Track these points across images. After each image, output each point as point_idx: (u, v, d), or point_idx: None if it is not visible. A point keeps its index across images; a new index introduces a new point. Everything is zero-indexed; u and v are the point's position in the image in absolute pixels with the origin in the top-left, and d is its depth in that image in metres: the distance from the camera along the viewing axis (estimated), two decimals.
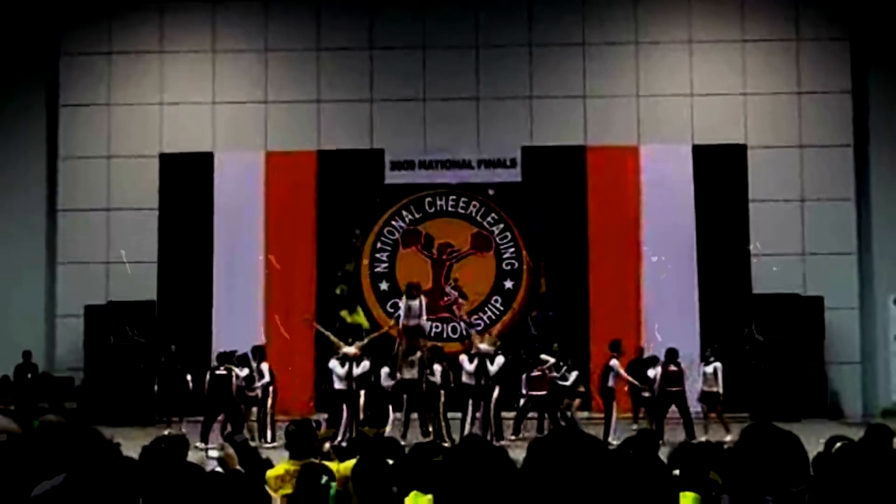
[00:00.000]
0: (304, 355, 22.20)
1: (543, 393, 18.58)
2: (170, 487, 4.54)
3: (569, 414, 19.12)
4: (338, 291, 23.37)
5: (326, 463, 7.30)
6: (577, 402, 19.54)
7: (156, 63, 23.65)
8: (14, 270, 23.16)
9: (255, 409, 18.57)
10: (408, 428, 17.67)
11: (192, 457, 6.61)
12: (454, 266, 23.38)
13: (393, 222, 23.56)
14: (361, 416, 17.37)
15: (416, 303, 18.41)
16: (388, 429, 16.58)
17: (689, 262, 22.71)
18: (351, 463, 6.49)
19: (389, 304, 22.66)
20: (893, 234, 22.63)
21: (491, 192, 23.50)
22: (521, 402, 18.97)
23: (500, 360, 17.86)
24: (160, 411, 20.84)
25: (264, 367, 18.74)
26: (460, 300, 22.20)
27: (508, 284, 23.34)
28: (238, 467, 6.35)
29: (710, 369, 18.75)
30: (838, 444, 6.92)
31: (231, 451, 6.37)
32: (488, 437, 16.39)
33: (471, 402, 17.67)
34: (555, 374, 18.94)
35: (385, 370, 18.24)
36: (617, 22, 23.37)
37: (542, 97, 23.21)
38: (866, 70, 23.18)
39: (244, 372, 18.44)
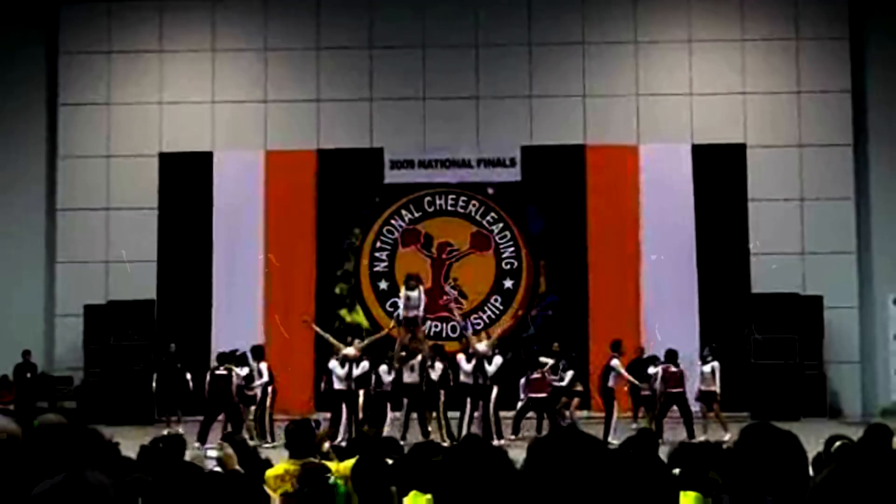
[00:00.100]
0: (303, 355, 22.19)
1: (544, 395, 18.57)
2: (169, 487, 4.54)
3: (567, 413, 19.12)
4: (337, 291, 23.37)
5: (326, 463, 7.29)
6: (575, 401, 19.53)
7: (155, 62, 23.65)
8: (13, 270, 23.15)
9: (253, 409, 18.55)
10: (407, 428, 17.67)
11: (190, 456, 6.61)
12: (454, 265, 23.38)
13: (392, 221, 23.56)
14: (360, 415, 17.38)
15: (414, 293, 18.46)
16: (386, 429, 16.56)
17: (688, 261, 22.71)
18: (350, 462, 6.49)
19: (389, 303, 22.65)
20: (893, 234, 22.63)
21: (490, 191, 23.50)
22: (521, 403, 18.96)
23: (498, 360, 17.88)
24: (159, 411, 20.84)
25: (263, 366, 18.72)
26: (453, 304, 22.16)
27: (508, 284, 23.34)
28: (237, 467, 6.35)
29: (707, 368, 18.77)
30: (838, 444, 6.92)
31: (230, 450, 6.36)
32: (487, 437, 16.38)
33: (469, 401, 17.68)
34: (553, 376, 18.95)
35: (383, 367, 18.23)
36: (616, 21, 23.37)
37: (542, 96, 23.21)
38: (865, 69, 23.18)
39: (244, 371, 18.44)
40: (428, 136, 23.34)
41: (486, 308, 23.18)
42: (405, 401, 18.01)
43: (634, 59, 23.31)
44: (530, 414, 18.98)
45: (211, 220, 23.19)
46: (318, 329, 19.85)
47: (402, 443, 12.29)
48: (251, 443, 13.84)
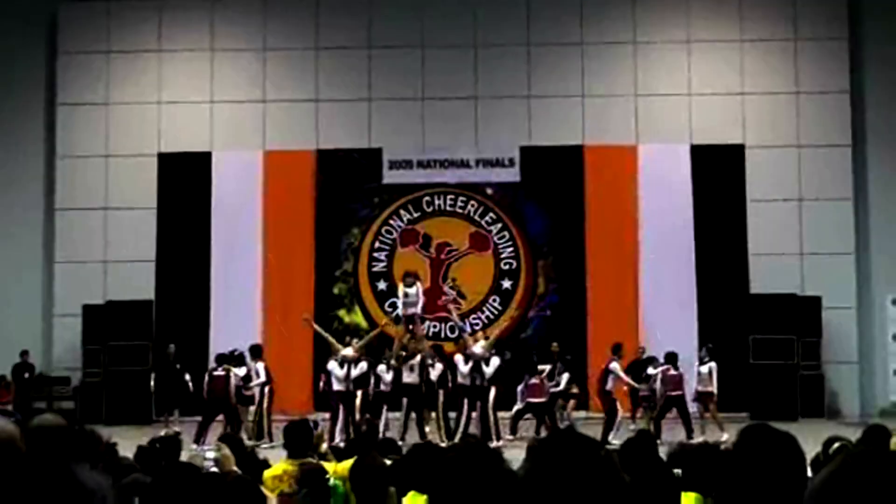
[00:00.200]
0: (302, 355, 22.19)
1: (542, 400, 18.58)
2: (166, 488, 4.53)
3: (564, 415, 19.13)
4: (336, 291, 23.36)
5: (324, 463, 7.29)
6: (571, 402, 19.55)
7: (154, 62, 23.64)
8: (12, 269, 23.14)
9: (252, 409, 18.56)
10: (406, 429, 17.67)
11: (187, 457, 6.61)
12: (452, 265, 23.38)
13: (391, 222, 23.56)
14: (358, 416, 17.38)
15: (412, 290, 18.50)
16: (381, 429, 16.55)
17: (687, 261, 22.71)
18: (348, 463, 6.49)
19: (388, 303, 22.64)
20: (891, 234, 22.64)
21: (489, 191, 23.50)
22: (519, 405, 18.96)
23: (495, 361, 17.89)
24: (158, 411, 20.84)
25: (260, 366, 18.73)
26: (451, 304, 22.16)
27: (507, 284, 23.34)
28: (234, 468, 6.34)
29: (704, 369, 18.82)
30: (836, 445, 6.92)
31: (227, 451, 6.36)
32: (486, 438, 16.39)
33: (466, 402, 17.68)
34: (549, 382, 18.95)
35: (382, 367, 18.22)
36: (615, 21, 23.38)
37: (541, 97, 23.21)
38: (864, 70, 23.19)
39: (242, 371, 18.45)
40: (427, 136, 23.34)
41: (484, 308, 23.17)
42: (404, 401, 18.00)
43: (633, 60, 23.32)
44: (528, 415, 18.98)
45: (210, 220, 23.18)
46: (317, 328, 19.86)
47: (400, 443, 12.31)
48: (249, 443, 13.86)
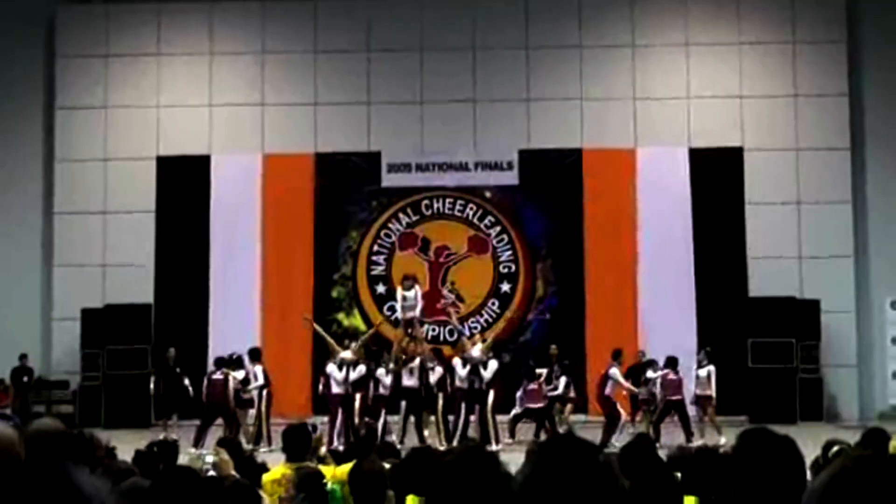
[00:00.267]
0: (300, 358, 22.18)
1: (540, 405, 18.57)
2: (164, 492, 4.52)
3: (560, 418, 19.12)
4: (335, 294, 23.35)
5: (323, 467, 7.29)
6: (568, 407, 19.53)
7: (153, 65, 23.64)
8: (10, 273, 23.13)
9: (251, 412, 18.55)
10: (405, 433, 17.65)
11: (187, 460, 6.60)
12: (451, 269, 23.37)
13: (390, 225, 23.55)
14: (357, 419, 17.36)
15: (411, 293, 18.52)
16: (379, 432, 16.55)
17: (685, 265, 22.71)
18: (347, 467, 6.48)
19: (386, 306, 22.63)
20: (890, 237, 22.65)
21: (488, 194, 23.50)
22: (518, 409, 18.95)
23: (493, 364, 17.89)
24: (157, 414, 20.83)
25: (258, 369, 18.72)
26: (451, 308, 22.15)
27: (505, 287, 23.33)
28: (233, 472, 6.34)
29: (703, 372, 18.85)
30: (835, 449, 6.91)
31: (226, 455, 6.36)
32: (485, 442, 16.38)
33: (464, 405, 17.66)
34: (547, 386, 18.95)
35: (381, 370, 18.21)
36: (613, 24, 23.38)
37: (539, 100, 23.21)
38: (862, 72, 23.21)
39: (240, 375, 18.44)
40: (425, 139, 23.34)
41: (483, 312, 23.16)
42: (403, 404, 17.99)
43: (631, 63, 23.32)
44: (527, 419, 18.96)
45: (208, 223, 23.17)
46: (318, 328, 19.82)
47: (399, 447, 12.30)
48: (248, 447, 13.85)
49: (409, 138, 23.30)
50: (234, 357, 18.71)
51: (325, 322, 22.16)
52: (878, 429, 8.03)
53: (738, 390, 20.99)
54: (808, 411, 21.22)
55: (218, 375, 18.15)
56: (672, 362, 18.45)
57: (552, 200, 23.21)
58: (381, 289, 23.28)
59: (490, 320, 22.96)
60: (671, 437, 17.40)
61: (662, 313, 22.12)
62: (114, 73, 23.59)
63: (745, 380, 21.52)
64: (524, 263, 23.37)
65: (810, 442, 6.09)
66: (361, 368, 18.07)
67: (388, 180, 23.40)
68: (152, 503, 3.96)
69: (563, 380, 19.26)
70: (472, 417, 17.68)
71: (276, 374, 19.68)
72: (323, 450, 8.72)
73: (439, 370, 18.24)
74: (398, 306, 19.13)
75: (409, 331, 18.62)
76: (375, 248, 23.50)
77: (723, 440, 16.10)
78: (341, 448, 13.75)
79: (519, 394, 18.95)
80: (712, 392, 18.72)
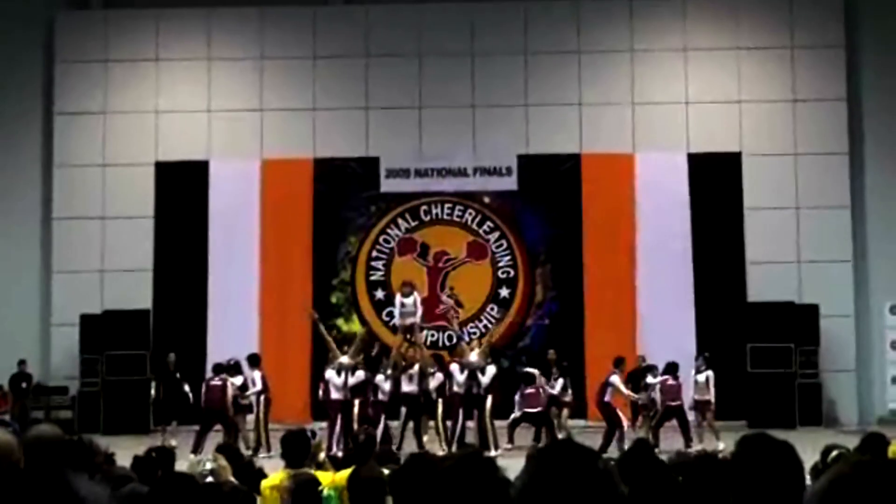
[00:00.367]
0: (299, 364, 22.17)
1: (539, 409, 18.55)
2: (163, 498, 4.52)
3: (559, 423, 19.11)
4: (333, 300, 23.34)
5: (322, 473, 7.28)
6: (565, 411, 19.52)
7: (152, 70, 23.65)
8: (9, 278, 23.12)
9: (249, 418, 18.54)
10: (403, 438, 17.64)
11: (187, 467, 6.59)
12: (450, 274, 23.36)
13: (389, 230, 23.55)
14: (356, 425, 17.33)
15: (409, 300, 18.51)
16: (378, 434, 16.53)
17: (684, 269, 22.70)
18: (346, 473, 6.48)
19: (385, 312, 22.62)
20: (889, 242, 22.65)
21: (487, 199, 23.50)
22: (515, 415, 18.94)
23: (491, 370, 17.88)
24: (156, 420, 20.81)
25: (256, 375, 18.71)
26: (451, 313, 22.14)
27: (504, 293, 23.32)
28: (231, 478, 6.33)
29: (701, 378, 18.85)
30: (834, 454, 6.91)
31: (224, 462, 6.35)
32: (484, 447, 16.36)
33: (461, 411, 17.65)
34: (546, 385, 18.95)
35: (380, 376, 18.19)
36: (612, 29, 23.40)
37: (538, 105, 23.22)
38: (861, 77, 23.22)
39: (239, 380, 18.43)
40: (424, 144, 23.35)
41: (482, 317, 23.15)
42: (402, 410, 17.98)
43: (630, 68, 23.33)
44: (525, 423, 18.95)
45: (207, 228, 23.17)
46: (321, 327, 19.75)
47: (397, 453, 12.28)
48: (247, 453, 13.84)
49: (407, 143, 23.30)
50: (232, 363, 18.70)
51: (323, 327, 22.19)
52: (877, 434, 8.03)
53: (737, 395, 20.98)
54: (807, 416, 21.21)
55: (216, 381, 18.14)
56: (671, 368, 18.44)
57: (551, 205, 23.22)
58: (380, 294, 23.28)
59: (489, 325, 22.94)
60: (670, 443, 17.38)
61: (661, 318, 22.11)
62: (113, 79, 23.59)
63: (744, 385, 21.51)
64: (523, 269, 23.37)
65: (809, 447, 6.08)
66: (360, 374, 18.05)
67: (387, 185, 23.40)
68: None
69: (560, 381, 19.26)
70: (470, 423, 17.67)
71: (275, 379, 19.68)
72: (322, 456, 8.71)
73: (439, 376, 18.23)
74: (396, 312, 19.14)
75: (409, 336, 18.61)
76: (374, 253, 23.50)
77: (721, 445, 16.09)
78: (340, 454, 13.74)
79: (517, 397, 18.95)
80: (711, 397, 18.72)
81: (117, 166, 23.29)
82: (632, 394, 18.85)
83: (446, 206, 23.53)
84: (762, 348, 21.78)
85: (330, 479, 6.89)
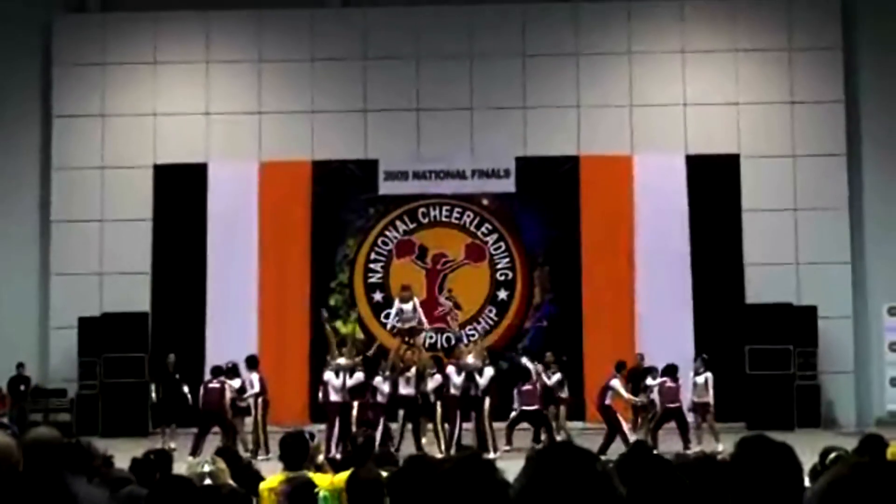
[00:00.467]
0: (298, 366, 22.17)
1: (535, 407, 18.53)
2: (161, 500, 4.52)
3: (557, 425, 19.09)
4: (332, 302, 23.32)
5: (320, 475, 7.28)
6: (562, 409, 19.47)
7: (150, 73, 23.64)
8: (7, 281, 23.12)
9: (248, 420, 18.54)
10: (402, 440, 17.63)
11: (186, 469, 6.58)
12: (448, 276, 23.36)
13: (387, 232, 23.55)
14: (354, 427, 17.32)
15: (408, 306, 18.52)
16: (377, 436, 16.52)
17: (682, 271, 22.70)
18: (345, 475, 6.47)
19: (383, 314, 22.62)
20: (887, 243, 22.67)
21: (485, 201, 23.50)
22: (513, 414, 18.93)
23: (489, 371, 17.87)
24: (156, 422, 20.79)
25: (254, 377, 18.71)
26: (450, 315, 22.13)
27: (502, 295, 23.32)
28: (229, 481, 6.33)
29: (700, 379, 18.84)
30: (832, 456, 6.91)
31: (223, 464, 6.34)
32: (482, 449, 16.36)
33: (459, 413, 17.65)
34: (543, 374, 18.94)
35: (378, 379, 18.18)
36: (610, 32, 23.41)
37: (536, 107, 23.23)
38: (859, 79, 23.24)
39: (237, 383, 18.43)
40: (422, 146, 23.36)
41: (480, 319, 23.15)
42: (400, 412, 17.98)
43: (628, 70, 23.34)
44: (525, 425, 18.94)
45: (205, 231, 23.16)
46: (328, 330, 19.68)
47: (396, 454, 12.27)
48: (245, 455, 13.83)
49: (405, 146, 23.31)
50: (230, 365, 18.70)
51: (321, 330, 22.22)
52: (875, 435, 8.03)
53: (736, 397, 20.98)
54: (805, 418, 21.21)
55: (214, 384, 18.13)
56: (670, 370, 18.42)
57: (549, 207, 23.22)
58: (378, 296, 23.28)
59: (487, 328, 22.95)
60: (669, 445, 17.37)
61: (659, 320, 22.11)
62: (111, 82, 23.59)
63: (743, 386, 21.51)
64: (521, 271, 23.37)
65: (808, 449, 6.08)
66: (359, 375, 18.04)
67: (385, 188, 23.40)
68: None
69: (558, 375, 19.20)
70: (467, 425, 17.66)
71: (274, 381, 19.67)
72: (320, 458, 8.70)
73: (438, 378, 18.21)
74: (393, 317, 19.14)
75: (407, 339, 18.61)
76: (373, 255, 23.50)
77: (720, 447, 16.09)
78: (339, 456, 13.73)
79: (515, 392, 18.90)
80: (710, 399, 18.71)
81: (116, 169, 23.28)
82: (633, 397, 18.83)
83: (444, 208, 23.54)
84: (760, 350, 21.79)
85: (328, 482, 6.88)
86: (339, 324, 23.18)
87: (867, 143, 23.12)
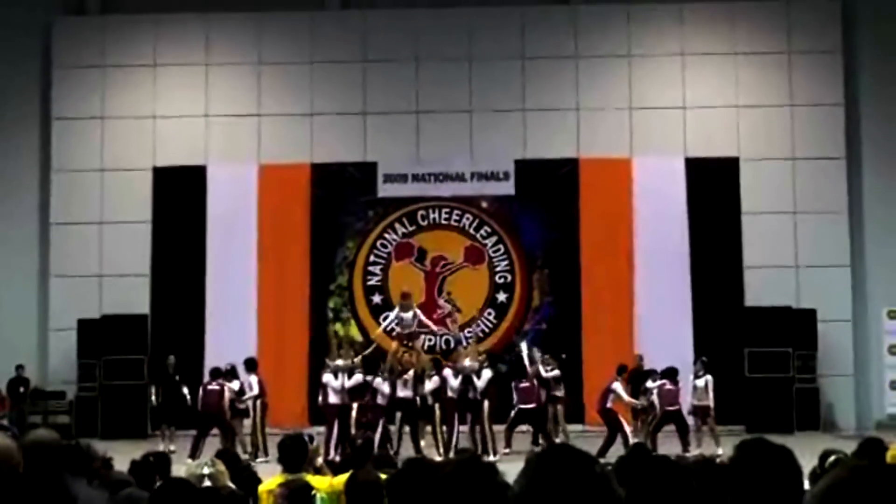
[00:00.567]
0: (297, 368, 22.16)
1: (533, 406, 18.51)
2: (160, 503, 4.52)
3: (556, 426, 19.07)
4: (331, 304, 23.33)
5: (319, 477, 7.28)
6: (560, 409, 19.43)
7: (149, 76, 23.64)
8: (7, 283, 23.11)
9: (246, 422, 18.54)
10: (401, 443, 17.63)
11: (185, 472, 6.58)
12: (447, 279, 23.36)
13: (386, 235, 23.54)
14: (353, 430, 17.33)
15: (408, 314, 18.52)
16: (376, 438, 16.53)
17: (682, 274, 22.71)
18: (344, 478, 6.47)
19: (382, 317, 22.59)
20: (886, 247, 22.67)
21: (484, 204, 23.51)
22: (512, 413, 18.91)
23: (486, 373, 17.86)
24: (154, 424, 20.78)
25: (253, 379, 18.71)
26: (449, 318, 22.12)
27: (502, 297, 23.32)
28: (229, 483, 6.32)
29: (700, 383, 18.82)
30: (832, 458, 6.91)
31: (222, 466, 6.34)
32: (481, 452, 16.36)
33: (457, 416, 17.64)
34: (539, 366, 18.90)
35: (378, 380, 18.17)
36: (609, 34, 23.41)
37: (535, 110, 23.23)
38: (858, 82, 23.25)
39: (236, 385, 18.43)
40: (422, 149, 23.36)
41: (479, 322, 23.15)
42: (398, 415, 17.98)
43: (628, 73, 23.35)
44: (524, 427, 18.91)
45: (205, 233, 23.16)
46: (364, 354, 19.49)
47: (395, 457, 12.28)
48: (244, 457, 13.82)
49: (405, 148, 23.31)
50: (229, 368, 18.70)
51: (321, 333, 22.27)
52: (874, 438, 8.03)
53: (735, 400, 20.95)
54: (804, 421, 21.21)
55: (213, 386, 18.12)
56: (670, 373, 18.41)
57: (548, 210, 23.22)
58: (377, 299, 23.28)
59: (486, 331, 22.95)
60: (668, 448, 17.37)
61: (659, 323, 22.11)
62: (111, 84, 23.59)
63: (742, 389, 21.50)
64: (520, 273, 23.37)
65: (807, 452, 6.08)
66: (357, 377, 18.05)
67: (385, 190, 23.40)
68: None
69: (555, 372, 19.15)
70: (464, 427, 17.65)
71: (273, 384, 19.67)
72: (319, 460, 8.70)
73: (436, 380, 18.21)
74: (391, 320, 19.15)
75: (406, 342, 18.61)
76: (372, 258, 23.49)
77: (720, 451, 16.07)
78: (338, 458, 13.73)
79: (513, 385, 18.86)
80: (710, 402, 18.68)
81: (115, 171, 23.28)
82: (634, 401, 18.81)
83: (444, 210, 23.54)
84: (760, 353, 21.78)
85: (327, 484, 6.88)
86: (338, 326, 23.21)
87: (867, 147, 23.12)
